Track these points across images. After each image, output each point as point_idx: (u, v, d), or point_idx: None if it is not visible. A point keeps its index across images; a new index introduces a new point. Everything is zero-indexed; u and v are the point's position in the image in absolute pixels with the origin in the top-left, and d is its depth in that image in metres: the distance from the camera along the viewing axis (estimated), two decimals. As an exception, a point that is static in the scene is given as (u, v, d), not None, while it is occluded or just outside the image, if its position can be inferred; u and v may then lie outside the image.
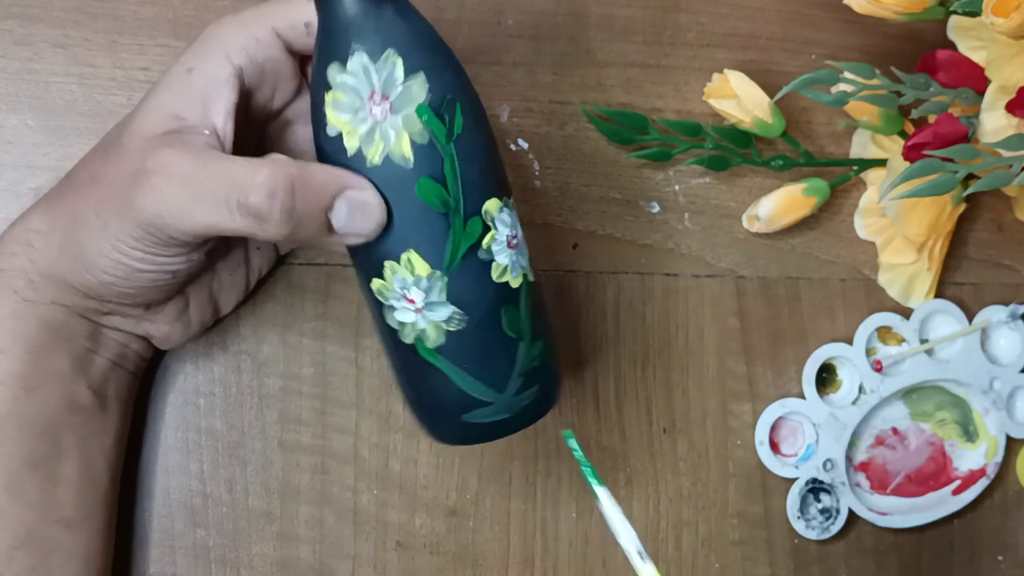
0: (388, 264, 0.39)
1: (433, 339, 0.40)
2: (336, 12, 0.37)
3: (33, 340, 0.41)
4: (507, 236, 0.40)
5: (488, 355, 0.41)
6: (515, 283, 0.41)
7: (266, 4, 0.41)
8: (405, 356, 0.41)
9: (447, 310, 0.39)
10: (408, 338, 0.40)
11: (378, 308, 0.40)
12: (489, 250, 0.40)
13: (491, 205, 0.39)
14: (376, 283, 0.39)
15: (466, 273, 0.39)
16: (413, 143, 0.37)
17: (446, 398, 0.41)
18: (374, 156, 0.37)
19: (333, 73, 0.37)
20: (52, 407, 0.41)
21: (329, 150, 0.38)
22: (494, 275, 0.40)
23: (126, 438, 0.46)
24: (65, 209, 0.40)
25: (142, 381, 0.48)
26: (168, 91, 0.40)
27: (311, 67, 0.39)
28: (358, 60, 0.37)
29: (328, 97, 0.37)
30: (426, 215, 0.38)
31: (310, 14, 0.41)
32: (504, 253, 0.40)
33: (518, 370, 0.41)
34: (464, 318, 0.40)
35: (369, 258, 0.39)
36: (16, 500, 0.40)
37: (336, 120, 0.37)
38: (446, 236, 0.39)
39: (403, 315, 0.40)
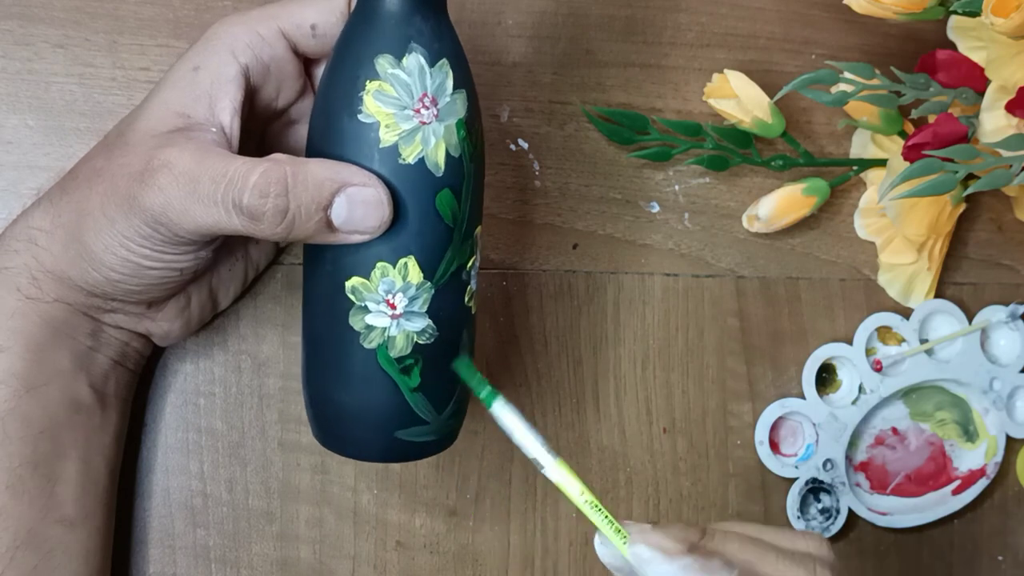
0: (380, 265, 0.38)
1: (399, 349, 0.39)
2: (397, 5, 0.38)
3: (35, 338, 0.41)
4: (478, 263, 0.41)
5: (444, 374, 0.41)
6: (472, 310, 0.42)
7: (273, 4, 0.41)
8: (359, 361, 0.40)
9: (423, 322, 0.39)
10: (371, 343, 0.39)
11: (343, 307, 0.39)
12: (469, 273, 0.41)
13: (479, 231, 0.41)
14: (354, 281, 0.39)
15: (449, 290, 0.40)
16: (447, 154, 0.38)
17: (389, 410, 0.40)
18: (409, 156, 0.38)
19: (384, 64, 0.37)
20: (53, 406, 0.41)
21: (357, 135, 0.38)
22: (465, 298, 0.41)
23: (124, 436, 0.46)
24: (69, 206, 0.40)
25: (142, 380, 0.48)
26: (174, 89, 0.40)
27: (336, 46, 0.39)
28: (415, 60, 0.37)
29: (371, 85, 0.37)
30: (436, 225, 0.39)
31: (316, 16, 0.41)
32: (475, 279, 0.41)
33: (457, 394, 0.42)
34: (435, 334, 0.40)
35: (358, 256, 0.39)
36: (18, 499, 0.40)
37: (377, 110, 0.37)
38: (445, 250, 0.39)
39: (376, 319, 0.39)
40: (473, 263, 0.41)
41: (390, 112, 0.37)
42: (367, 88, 0.37)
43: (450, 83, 0.38)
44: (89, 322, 0.42)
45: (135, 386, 0.47)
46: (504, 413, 0.38)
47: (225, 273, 0.47)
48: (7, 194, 0.47)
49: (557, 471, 0.36)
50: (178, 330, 0.45)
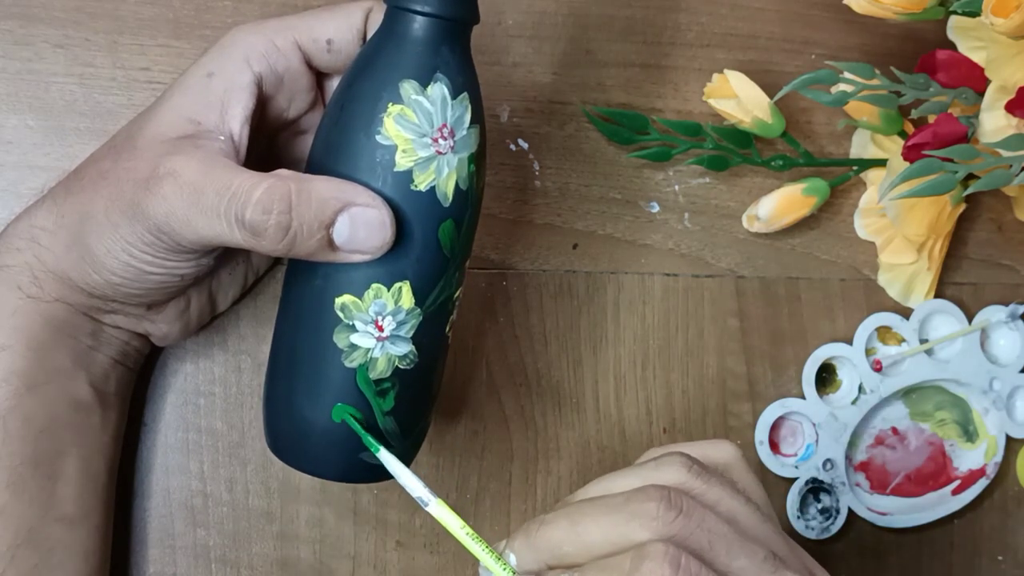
0: (375, 287, 0.39)
1: (379, 371, 0.39)
2: (427, 32, 0.38)
3: (36, 337, 0.41)
4: (462, 295, 0.42)
5: (416, 401, 0.41)
6: (449, 339, 0.42)
7: (291, 16, 0.42)
8: (336, 378, 0.39)
9: (407, 347, 0.40)
10: (352, 362, 0.39)
11: (329, 323, 0.39)
12: (454, 304, 0.41)
13: (466, 265, 0.41)
14: (345, 299, 0.39)
15: (434, 319, 0.40)
16: (456, 186, 0.39)
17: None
18: (421, 183, 0.38)
19: (408, 89, 0.37)
20: (54, 404, 0.41)
21: (372, 155, 0.38)
22: (447, 328, 0.41)
23: (123, 434, 0.46)
24: (73, 207, 0.40)
25: (142, 380, 0.48)
26: (186, 94, 0.40)
27: (356, 63, 0.39)
28: (439, 89, 0.38)
29: (393, 109, 0.37)
30: (435, 254, 0.39)
31: (333, 32, 0.41)
32: (456, 311, 0.42)
33: (424, 421, 0.43)
34: (415, 360, 0.40)
35: (353, 274, 0.39)
36: (19, 498, 0.40)
37: (396, 134, 0.38)
38: (439, 279, 0.40)
39: (362, 339, 0.39)
40: (459, 295, 0.41)
41: (409, 138, 0.38)
42: (388, 111, 0.37)
43: (468, 117, 0.39)
44: (89, 322, 0.42)
45: (133, 384, 0.47)
46: (390, 459, 0.39)
47: (225, 277, 0.47)
48: (7, 194, 0.47)
49: (438, 508, 0.38)
50: (177, 332, 0.45)
